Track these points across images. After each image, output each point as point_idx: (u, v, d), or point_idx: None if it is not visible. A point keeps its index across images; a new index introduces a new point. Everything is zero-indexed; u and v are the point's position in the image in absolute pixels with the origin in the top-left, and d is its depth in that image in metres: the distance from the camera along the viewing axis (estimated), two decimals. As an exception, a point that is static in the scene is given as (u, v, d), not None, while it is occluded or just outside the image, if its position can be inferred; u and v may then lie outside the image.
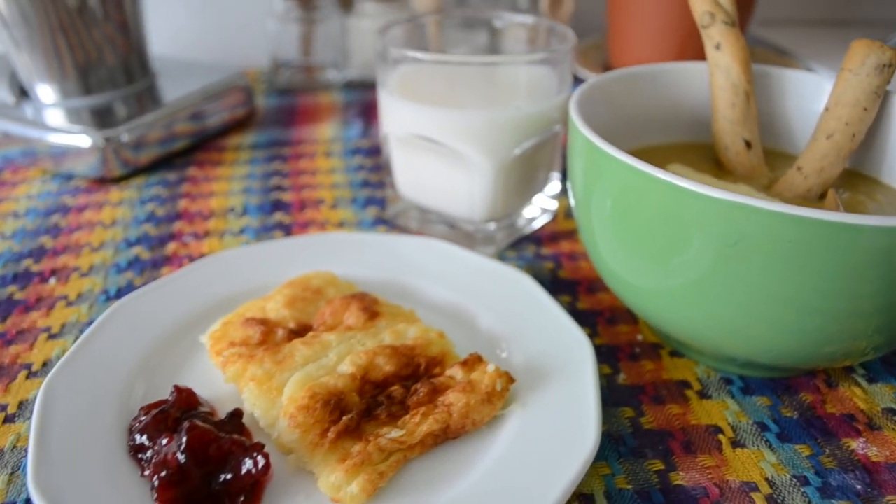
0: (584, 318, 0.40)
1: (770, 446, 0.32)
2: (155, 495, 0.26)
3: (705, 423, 0.33)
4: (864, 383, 0.35)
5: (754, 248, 0.28)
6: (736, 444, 0.32)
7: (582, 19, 0.85)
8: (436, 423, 0.30)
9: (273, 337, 0.34)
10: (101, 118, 0.55)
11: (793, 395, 0.35)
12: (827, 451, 0.31)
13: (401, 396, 0.31)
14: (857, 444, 0.32)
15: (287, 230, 0.48)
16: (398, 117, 0.44)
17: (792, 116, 0.44)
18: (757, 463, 0.31)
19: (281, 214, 0.50)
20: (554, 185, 0.49)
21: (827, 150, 0.38)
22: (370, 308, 0.35)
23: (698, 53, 0.44)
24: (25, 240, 0.46)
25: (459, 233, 0.46)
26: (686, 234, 0.30)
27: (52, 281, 0.42)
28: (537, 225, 0.49)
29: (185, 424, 0.27)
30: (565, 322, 0.36)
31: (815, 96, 0.42)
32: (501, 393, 0.31)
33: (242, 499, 0.27)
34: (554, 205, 0.50)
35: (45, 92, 0.58)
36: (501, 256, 0.46)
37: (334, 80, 0.76)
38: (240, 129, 0.64)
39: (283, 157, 0.59)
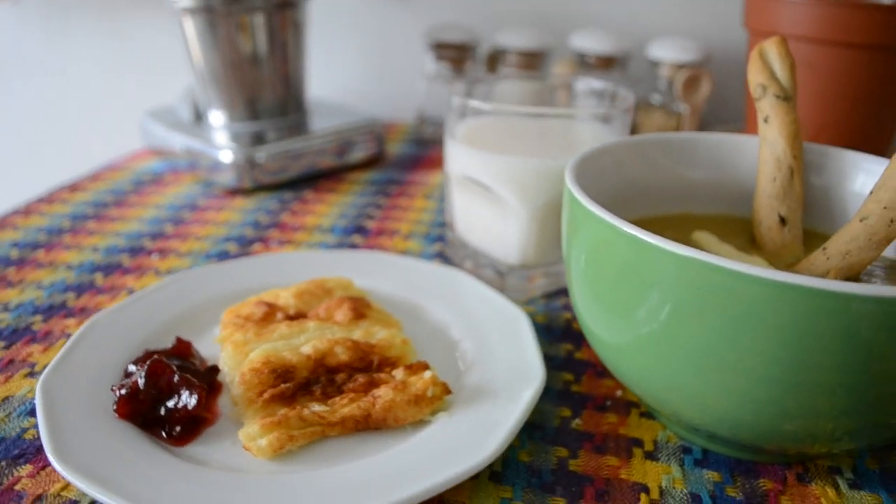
0: (574, 367, 0.40)
1: (691, 518, 0.30)
2: (114, 407, 0.32)
3: (635, 480, 0.32)
4: (843, 487, 0.31)
5: (706, 306, 0.27)
6: (655, 506, 0.30)
7: (724, 105, 0.83)
8: (357, 409, 0.33)
9: (272, 317, 0.39)
10: (248, 141, 0.66)
11: (750, 479, 0.32)
12: (753, 537, 0.29)
13: (341, 381, 0.34)
14: (790, 540, 0.28)
15: (355, 248, 0.54)
16: (456, 160, 0.48)
17: (848, 199, 0.41)
18: (666, 528, 0.29)
19: (357, 237, 0.56)
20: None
21: (857, 232, 0.35)
22: (359, 309, 0.39)
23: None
24: (154, 224, 0.58)
25: (499, 275, 0.49)
26: (644, 289, 0.29)
27: (154, 256, 0.52)
28: (582, 281, 0.49)
29: (153, 357, 0.33)
30: (531, 354, 0.37)
31: (874, 181, 0.39)
32: (432, 399, 0.33)
33: (178, 429, 0.32)
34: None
35: (216, 116, 0.71)
36: (530, 301, 0.47)
37: (470, 138, 0.83)
38: (365, 167, 0.73)
39: (387, 194, 0.66)
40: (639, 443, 0.34)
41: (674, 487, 0.31)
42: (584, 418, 0.36)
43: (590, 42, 0.76)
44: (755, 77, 0.41)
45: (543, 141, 0.48)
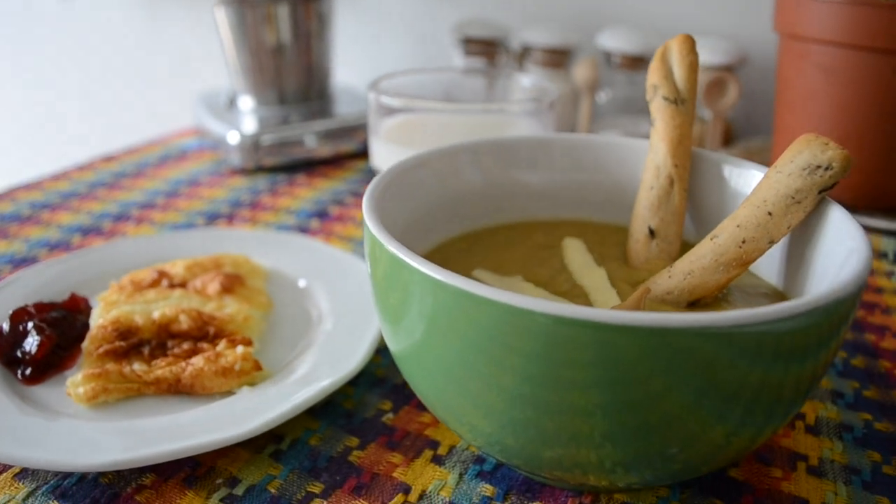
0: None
1: (430, 523, 0.29)
2: (-20, 346, 0.37)
3: (402, 480, 0.31)
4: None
5: (452, 324, 0.26)
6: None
7: (752, 120, 0.76)
8: (169, 374, 0.35)
9: (158, 284, 0.42)
10: (257, 125, 0.71)
11: (525, 499, 0.30)
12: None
13: (171, 347, 0.37)
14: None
15: (305, 232, 0.56)
16: (377, 156, 0.49)
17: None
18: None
19: (315, 221, 0.58)
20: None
21: (705, 251, 0.32)
22: (228, 284, 0.42)
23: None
24: (153, 196, 0.64)
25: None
26: (405, 301, 0.28)
27: (130, 223, 0.57)
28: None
29: (17, 308, 0.38)
30: (360, 351, 0.37)
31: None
32: (240, 373, 0.35)
33: (29, 370, 0.36)
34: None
35: (245, 101, 0.76)
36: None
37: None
38: (366, 155, 0.75)
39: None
40: (434, 445, 0.33)
41: (438, 494, 0.30)
42: (400, 414, 0.36)
43: (616, 41, 0.73)
44: (650, 77, 0.38)
45: (470, 136, 0.48)
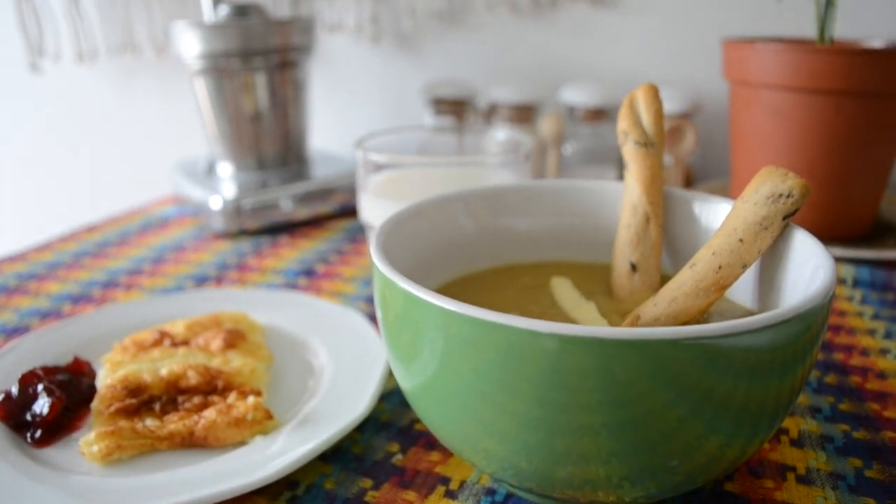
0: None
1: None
2: (-12, 411, 0.38)
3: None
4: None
5: (464, 352, 0.28)
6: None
7: (710, 163, 0.81)
8: (183, 427, 0.36)
9: (160, 343, 0.43)
10: (237, 190, 0.73)
11: (533, 522, 0.32)
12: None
13: (182, 401, 0.38)
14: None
15: (294, 290, 0.58)
16: (366, 210, 0.51)
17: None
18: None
19: (303, 279, 0.60)
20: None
21: (686, 279, 0.35)
22: (230, 340, 0.43)
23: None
24: (139, 263, 0.65)
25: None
26: (417, 336, 0.30)
27: (120, 290, 0.58)
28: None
29: (26, 371, 0.38)
30: (367, 395, 0.38)
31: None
32: (252, 423, 0.36)
33: (39, 433, 0.37)
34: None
35: (223, 167, 0.78)
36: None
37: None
38: (347, 215, 0.77)
39: (354, 241, 0.70)
40: (446, 481, 0.35)
41: (449, 522, 0.32)
42: (408, 455, 0.37)
43: (578, 95, 0.77)
44: (620, 124, 0.41)
45: (451, 187, 0.51)
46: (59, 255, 0.67)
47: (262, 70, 0.74)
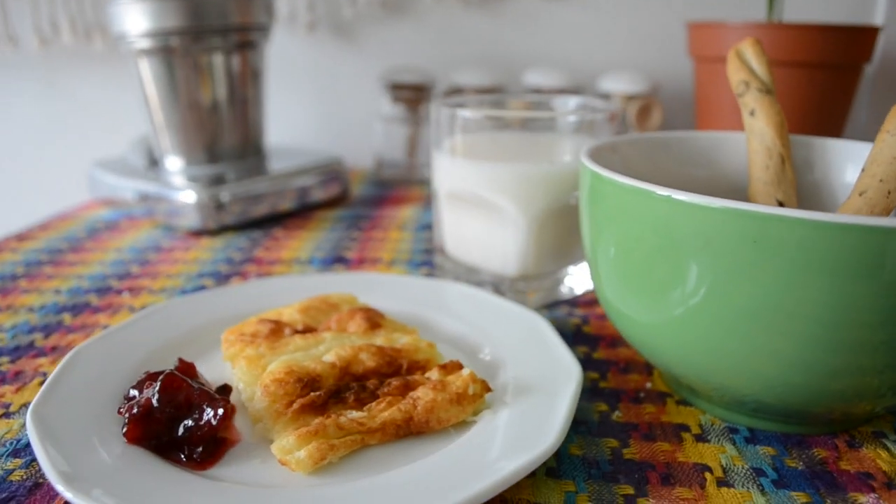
0: (597, 366, 0.39)
1: (762, 490, 0.28)
2: (124, 430, 0.29)
3: (694, 461, 0.30)
4: (893, 447, 0.31)
5: (752, 263, 0.27)
6: (722, 483, 0.29)
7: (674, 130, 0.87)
8: (398, 413, 0.30)
9: (280, 333, 0.36)
10: (207, 182, 0.63)
11: (804, 449, 0.31)
12: (829, 501, 0.28)
13: (374, 387, 0.32)
14: (866, 499, 0.28)
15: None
16: (447, 175, 0.48)
17: (835, 185, 0.42)
18: (742, 503, 0.28)
19: (340, 266, 0.54)
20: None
21: (859, 206, 0.36)
22: (373, 319, 0.37)
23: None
24: (118, 267, 0.54)
25: (496, 291, 0.48)
26: (682, 261, 0.29)
27: (125, 294, 0.48)
28: (578, 292, 0.49)
29: (165, 372, 0.30)
30: (562, 353, 0.35)
31: (860, 164, 0.41)
32: (473, 397, 0.31)
33: (200, 449, 0.29)
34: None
35: (173, 161, 0.68)
36: (532, 312, 0.46)
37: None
38: (330, 207, 0.71)
39: (360, 228, 0.64)
40: (685, 428, 0.33)
41: (733, 464, 0.30)
42: (622, 411, 0.34)
43: (543, 78, 0.78)
44: (736, 75, 0.42)
45: (533, 151, 0.49)
46: (2, 267, 0.53)
47: (219, 51, 0.66)
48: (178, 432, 0.29)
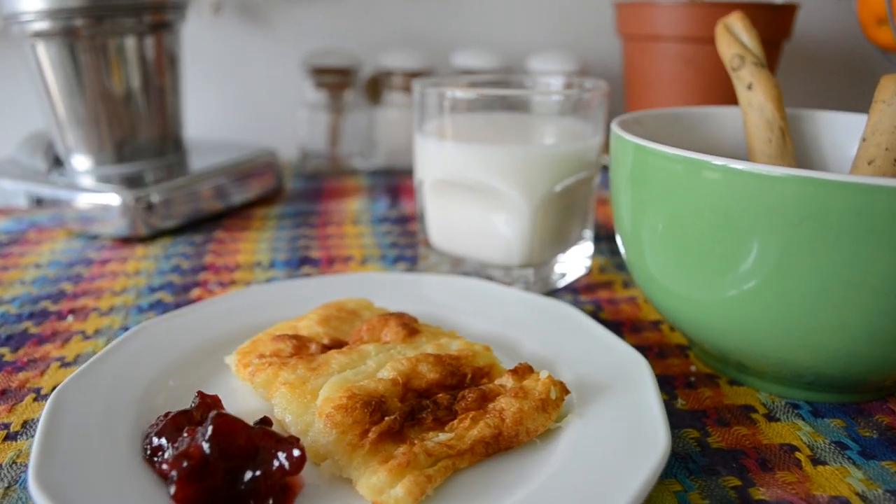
0: (630, 353, 0.37)
1: (854, 463, 0.28)
2: (173, 490, 0.23)
3: (778, 442, 0.30)
4: (944, 406, 0.33)
5: (816, 232, 0.27)
6: (816, 461, 0.28)
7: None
8: (487, 429, 0.27)
9: (306, 350, 0.32)
10: (131, 182, 0.55)
11: (867, 417, 0.32)
12: (920, 467, 0.28)
13: (447, 402, 0.29)
14: (950, 459, 0.28)
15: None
16: (436, 160, 0.44)
17: (828, 157, 0.43)
18: (843, 479, 0.27)
19: (309, 268, 0.49)
20: (587, 246, 0.48)
21: (870, 174, 0.37)
22: (409, 325, 0.33)
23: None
24: (45, 286, 0.45)
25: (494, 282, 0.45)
26: (745, 230, 0.28)
27: (70, 318, 0.40)
28: (571, 278, 0.47)
29: (212, 413, 0.25)
30: (615, 343, 0.33)
31: (851, 135, 0.42)
32: (556, 402, 0.29)
33: (271, 502, 0.24)
34: (587, 262, 0.48)
35: (80, 161, 0.59)
36: (537, 302, 0.44)
37: (360, 167, 0.78)
38: (267, 203, 0.65)
39: (310, 224, 0.59)
40: (751, 409, 0.32)
41: (815, 441, 0.30)
42: (682, 398, 0.33)
43: (473, 59, 0.76)
44: (729, 49, 0.42)
45: (529, 133, 0.46)
46: None
47: (130, 33, 0.57)
48: (240, 486, 0.24)
